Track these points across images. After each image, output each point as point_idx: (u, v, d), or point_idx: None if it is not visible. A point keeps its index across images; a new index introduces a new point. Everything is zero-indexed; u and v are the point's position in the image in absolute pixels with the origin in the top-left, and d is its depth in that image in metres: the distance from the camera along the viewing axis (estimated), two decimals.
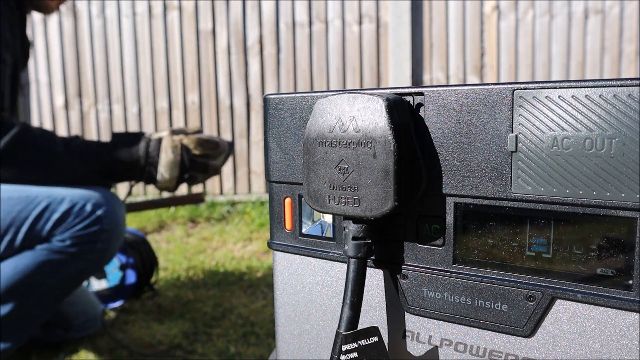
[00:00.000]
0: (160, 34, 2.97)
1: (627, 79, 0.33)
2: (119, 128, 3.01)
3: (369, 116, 0.38)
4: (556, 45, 2.85)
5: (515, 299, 0.38)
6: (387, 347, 0.42)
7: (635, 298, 0.34)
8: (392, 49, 2.91)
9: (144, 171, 1.15)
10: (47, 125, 3.03)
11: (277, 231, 0.50)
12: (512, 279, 0.38)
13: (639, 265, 0.34)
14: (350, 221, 0.42)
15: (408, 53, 2.90)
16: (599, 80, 0.34)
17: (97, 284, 1.60)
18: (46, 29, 2.99)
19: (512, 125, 0.37)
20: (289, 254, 0.49)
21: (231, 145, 1.28)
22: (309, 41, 2.94)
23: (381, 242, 0.44)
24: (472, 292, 0.40)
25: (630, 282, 0.34)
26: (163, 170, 1.14)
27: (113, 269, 1.58)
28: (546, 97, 0.35)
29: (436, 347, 0.42)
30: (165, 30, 2.96)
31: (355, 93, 0.40)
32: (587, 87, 0.34)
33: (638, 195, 0.33)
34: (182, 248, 2.24)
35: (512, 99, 0.37)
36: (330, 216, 0.46)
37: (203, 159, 1.18)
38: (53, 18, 2.97)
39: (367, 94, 0.39)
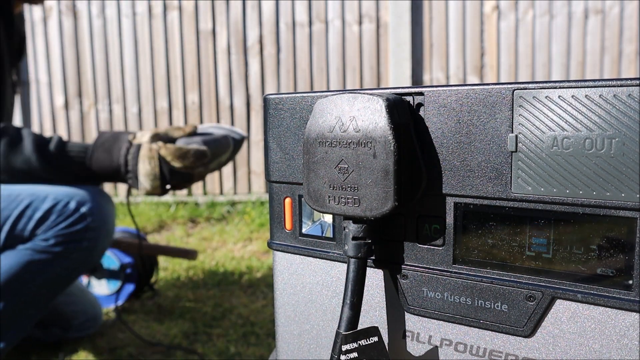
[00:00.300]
0: (160, 34, 2.97)
1: (627, 79, 0.33)
2: (119, 128, 3.01)
3: (369, 116, 0.38)
4: (556, 45, 2.85)
5: (515, 299, 0.38)
6: (387, 347, 0.42)
7: (635, 298, 0.34)
8: (392, 49, 2.91)
9: (125, 179, 1.09)
10: (48, 125, 3.03)
11: (277, 231, 0.50)
12: (512, 279, 0.38)
13: (639, 265, 0.34)
14: (350, 221, 0.42)
15: (408, 53, 2.90)
16: (599, 80, 0.34)
17: (97, 284, 1.60)
18: (46, 29, 2.99)
19: (512, 125, 0.37)
20: (289, 254, 0.49)
21: (236, 142, 1.18)
22: (309, 41, 2.94)
23: (381, 242, 0.44)
24: (472, 292, 0.40)
25: (630, 282, 0.34)
26: (143, 180, 1.07)
27: (113, 268, 1.58)
28: (546, 97, 0.35)
29: (436, 347, 0.42)
30: (165, 30, 2.96)
31: (355, 93, 0.40)
32: (587, 87, 0.34)
33: (638, 195, 0.33)
34: None
35: (512, 99, 0.37)
36: (330, 216, 0.46)
37: (186, 169, 1.08)
38: (53, 18, 2.97)
39: (367, 94, 0.39)
